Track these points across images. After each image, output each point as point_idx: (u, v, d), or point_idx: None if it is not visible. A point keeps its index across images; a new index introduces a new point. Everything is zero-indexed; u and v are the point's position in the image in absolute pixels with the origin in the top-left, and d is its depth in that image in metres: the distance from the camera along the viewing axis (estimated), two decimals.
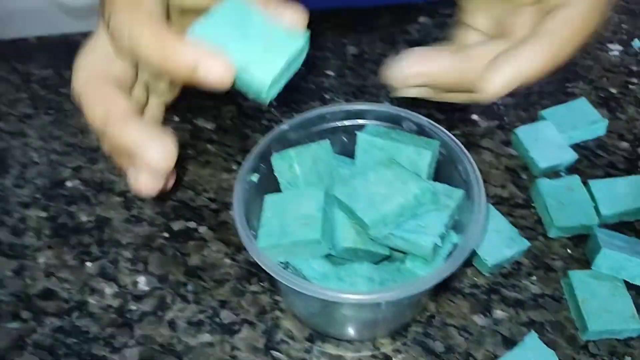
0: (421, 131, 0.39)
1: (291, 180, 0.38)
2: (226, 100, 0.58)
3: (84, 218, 0.48)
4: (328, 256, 0.36)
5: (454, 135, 0.39)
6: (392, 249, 0.37)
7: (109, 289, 0.44)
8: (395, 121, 0.40)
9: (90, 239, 0.47)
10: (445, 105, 0.54)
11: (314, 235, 0.33)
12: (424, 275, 0.32)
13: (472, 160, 0.36)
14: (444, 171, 0.39)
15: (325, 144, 0.40)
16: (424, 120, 0.39)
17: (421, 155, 0.37)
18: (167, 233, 0.47)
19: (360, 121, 0.41)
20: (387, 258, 0.37)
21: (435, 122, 0.40)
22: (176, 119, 0.56)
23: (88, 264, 0.45)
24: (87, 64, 0.34)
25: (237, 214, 0.34)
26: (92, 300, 0.43)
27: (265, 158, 0.39)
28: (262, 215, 0.36)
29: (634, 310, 0.38)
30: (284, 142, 0.40)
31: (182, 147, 0.53)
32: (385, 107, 0.40)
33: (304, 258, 0.35)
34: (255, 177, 0.38)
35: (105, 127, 0.32)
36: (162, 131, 0.31)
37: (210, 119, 0.56)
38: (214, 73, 0.29)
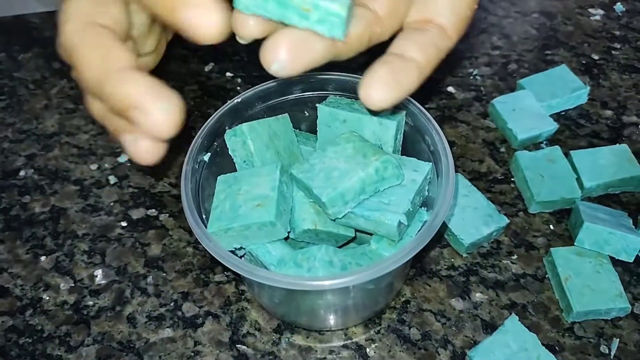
0: None
1: (246, 159, 0.35)
2: (189, 79, 0.55)
3: (37, 209, 0.45)
4: (288, 240, 0.34)
5: (428, 109, 0.36)
6: (357, 230, 0.34)
7: (64, 284, 0.41)
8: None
9: (45, 231, 0.44)
10: None
11: (268, 217, 0.30)
12: (389, 256, 0.29)
13: (439, 129, 0.34)
14: (411, 143, 0.36)
15: (284, 118, 0.37)
16: None
17: (386, 127, 0.34)
18: (126, 222, 0.44)
19: (321, 93, 0.38)
20: (353, 240, 0.34)
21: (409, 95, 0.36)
22: None
23: (42, 258, 0.43)
24: (76, 12, 0.28)
25: (184, 196, 0.31)
26: (46, 296, 0.40)
27: (219, 135, 0.36)
28: (215, 198, 0.33)
29: (621, 287, 0.35)
30: (240, 118, 0.37)
31: None
32: (348, 77, 0.37)
33: (261, 243, 0.32)
34: (206, 157, 0.35)
35: (104, 81, 0.27)
36: (169, 90, 0.26)
37: None
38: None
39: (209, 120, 0.36)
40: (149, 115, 0.25)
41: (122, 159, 0.48)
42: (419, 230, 0.32)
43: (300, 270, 0.30)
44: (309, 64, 0.27)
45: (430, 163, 0.33)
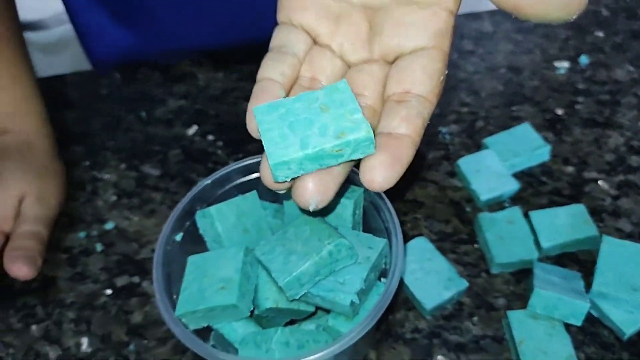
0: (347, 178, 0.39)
1: (215, 238, 0.38)
2: (173, 143, 0.57)
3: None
4: (253, 315, 0.36)
5: None
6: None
7: (52, 353, 0.43)
8: None
9: (36, 299, 0.46)
10: None
11: (230, 300, 0.32)
12: (345, 333, 0.31)
13: (390, 207, 0.36)
14: (370, 218, 0.38)
15: (252, 195, 0.39)
16: None
17: (344, 206, 0.36)
18: (111, 289, 0.46)
19: None
20: (315, 313, 0.36)
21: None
22: (123, 166, 0.56)
23: (33, 326, 0.45)
24: None
25: (156, 283, 0.34)
26: None
27: (191, 214, 0.39)
28: (184, 279, 0.35)
29: (572, 350, 0.37)
30: (209, 198, 0.40)
31: (128, 196, 0.53)
32: None
33: (227, 321, 0.35)
34: (179, 237, 0.38)
35: None
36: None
37: (157, 165, 0.56)
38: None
39: (179, 203, 0.38)
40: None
41: (109, 226, 0.51)
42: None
43: (259, 351, 0.32)
44: (337, 188, 0.29)
45: (385, 239, 0.35)
